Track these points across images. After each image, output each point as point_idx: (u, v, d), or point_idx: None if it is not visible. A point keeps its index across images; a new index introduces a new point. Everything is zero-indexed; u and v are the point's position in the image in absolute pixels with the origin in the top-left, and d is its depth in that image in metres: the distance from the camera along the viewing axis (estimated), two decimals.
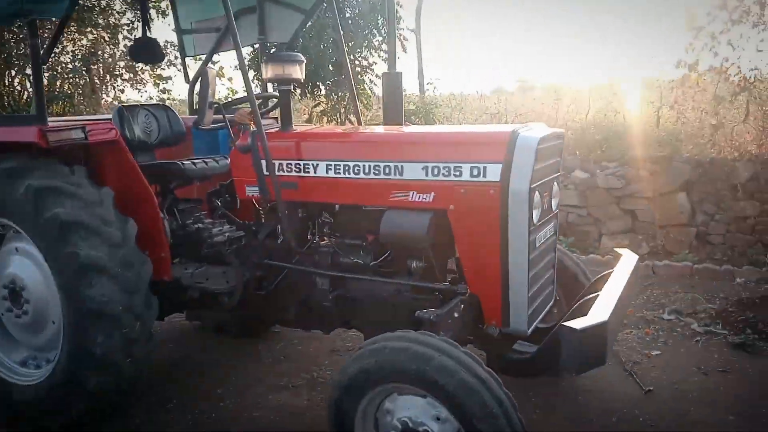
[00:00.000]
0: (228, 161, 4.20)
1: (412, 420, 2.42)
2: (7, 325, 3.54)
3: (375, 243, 3.21)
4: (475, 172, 2.76)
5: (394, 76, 3.38)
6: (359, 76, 9.01)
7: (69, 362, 3.14)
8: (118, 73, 11.61)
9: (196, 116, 4.52)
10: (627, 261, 3.23)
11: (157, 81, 11.45)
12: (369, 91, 9.44)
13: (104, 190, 3.28)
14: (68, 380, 3.15)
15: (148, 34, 4.51)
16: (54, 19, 3.04)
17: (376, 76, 9.26)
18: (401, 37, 9.71)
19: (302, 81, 3.32)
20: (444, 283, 3.02)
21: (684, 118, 7.98)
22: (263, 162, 3.25)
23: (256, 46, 5.21)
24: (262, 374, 4.06)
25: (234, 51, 3.32)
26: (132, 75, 11.72)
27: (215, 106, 3.47)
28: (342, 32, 4.31)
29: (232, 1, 4.71)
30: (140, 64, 11.69)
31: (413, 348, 2.35)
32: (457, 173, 2.80)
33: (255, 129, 3.27)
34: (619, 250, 3.44)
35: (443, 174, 2.83)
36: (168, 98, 11.53)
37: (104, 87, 11.61)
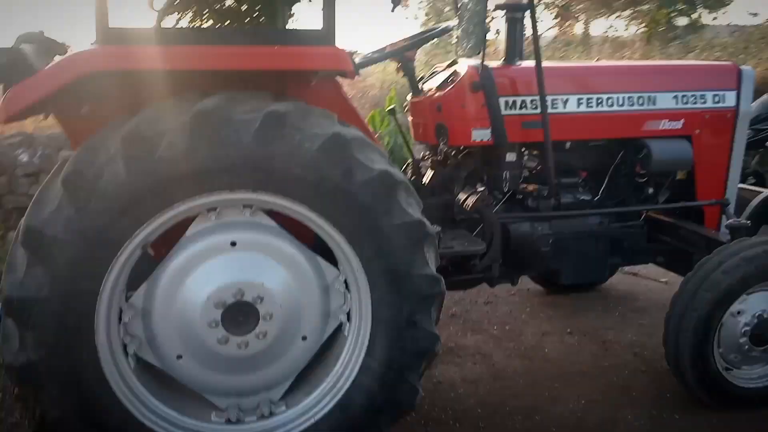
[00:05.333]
0: None
1: None
2: (194, 366, 2.30)
3: (589, 178, 3.30)
4: (716, 99, 3.20)
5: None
6: None
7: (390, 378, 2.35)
8: None
9: None
10: None
11: None
12: None
13: None
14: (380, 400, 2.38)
15: None
16: None
17: None
18: None
19: (532, 7, 3.00)
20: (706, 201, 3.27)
21: None
22: (503, 100, 2.94)
23: None
24: None
25: None
26: None
27: None
28: None
29: None
30: None
31: None
32: (703, 101, 3.19)
33: (483, 64, 2.92)
34: None
35: (691, 102, 3.17)
36: None
37: None
